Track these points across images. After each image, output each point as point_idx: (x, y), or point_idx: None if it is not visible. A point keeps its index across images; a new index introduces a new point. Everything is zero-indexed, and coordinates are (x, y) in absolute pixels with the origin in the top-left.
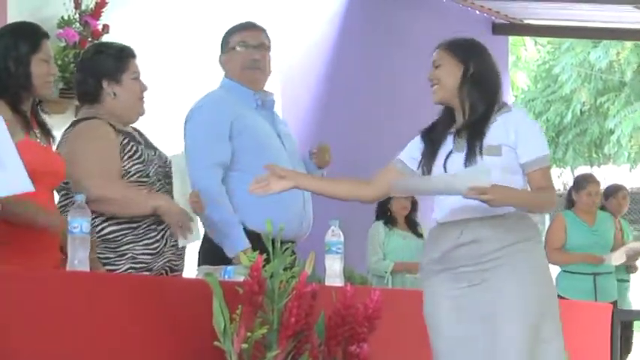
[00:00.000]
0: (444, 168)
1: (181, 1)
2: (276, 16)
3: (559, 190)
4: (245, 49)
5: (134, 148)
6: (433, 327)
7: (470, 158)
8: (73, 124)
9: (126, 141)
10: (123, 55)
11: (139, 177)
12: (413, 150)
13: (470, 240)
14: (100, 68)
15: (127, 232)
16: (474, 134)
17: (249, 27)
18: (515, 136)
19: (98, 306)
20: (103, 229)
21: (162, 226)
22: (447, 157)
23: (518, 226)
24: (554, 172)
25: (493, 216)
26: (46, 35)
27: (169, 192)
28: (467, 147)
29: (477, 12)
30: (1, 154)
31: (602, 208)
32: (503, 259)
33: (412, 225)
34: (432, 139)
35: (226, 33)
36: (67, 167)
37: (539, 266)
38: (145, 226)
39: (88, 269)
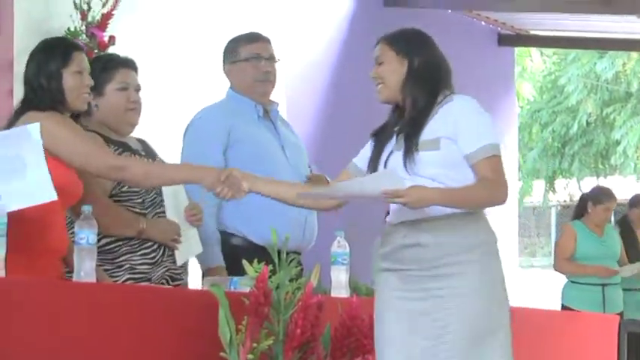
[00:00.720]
0: (385, 167)
1: (188, 11)
2: (281, 23)
3: (565, 201)
4: (257, 61)
5: None
6: (378, 326)
7: (407, 156)
8: None
9: (119, 151)
10: (108, 66)
11: (130, 187)
12: (366, 151)
13: (413, 243)
14: None
15: (122, 242)
16: (410, 131)
17: (258, 39)
18: (455, 127)
19: (104, 316)
20: (99, 240)
21: None
22: (388, 156)
23: (464, 231)
24: (561, 183)
25: (434, 218)
26: (76, 47)
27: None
28: (404, 144)
29: (483, 23)
30: (28, 163)
31: (624, 218)
32: (452, 269)
33: None
34: (380, 139)
35: (232, 43)
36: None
37: (490, 280)
38: None
39: (94, 280)
